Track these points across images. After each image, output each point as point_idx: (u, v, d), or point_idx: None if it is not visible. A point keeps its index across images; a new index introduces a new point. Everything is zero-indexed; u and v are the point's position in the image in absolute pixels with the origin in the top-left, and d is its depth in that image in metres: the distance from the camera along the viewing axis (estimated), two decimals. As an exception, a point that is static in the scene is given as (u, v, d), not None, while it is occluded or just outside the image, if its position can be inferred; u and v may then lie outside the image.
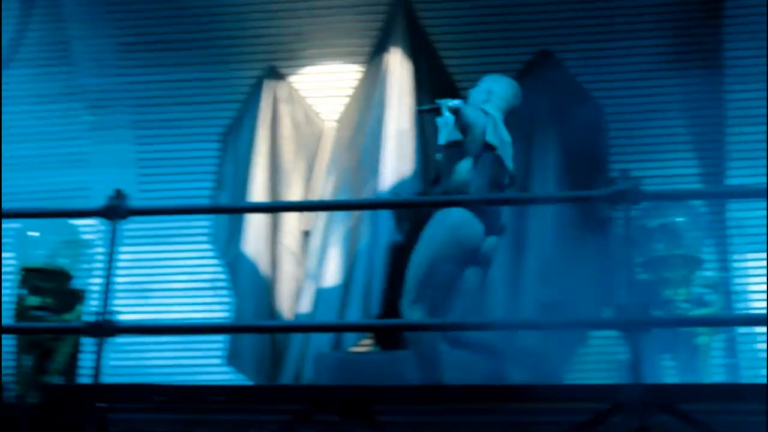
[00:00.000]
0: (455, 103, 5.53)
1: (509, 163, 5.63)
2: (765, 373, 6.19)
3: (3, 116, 7.61)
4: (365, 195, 6.68)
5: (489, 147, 5.52)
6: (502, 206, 5.61)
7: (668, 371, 6.18)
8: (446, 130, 5.61)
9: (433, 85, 7.06)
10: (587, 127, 6.83)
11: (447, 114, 5.59)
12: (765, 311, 4.97)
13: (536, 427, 4.25)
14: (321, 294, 6.59)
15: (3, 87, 7.21)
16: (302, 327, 5.42)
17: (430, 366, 5.10)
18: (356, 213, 6.68)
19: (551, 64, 7.02)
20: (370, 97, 7.03)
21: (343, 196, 6.74)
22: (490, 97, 5.76)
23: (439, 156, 5.72)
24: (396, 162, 6.67)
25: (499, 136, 5.57)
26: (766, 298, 4.47)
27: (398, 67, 6.96)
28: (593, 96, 6.96)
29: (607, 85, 7.00)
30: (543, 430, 4.23)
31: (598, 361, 6.42)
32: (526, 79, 6.96)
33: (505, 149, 5.60)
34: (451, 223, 5.40)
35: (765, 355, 6.09)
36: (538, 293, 6.41)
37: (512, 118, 6.83)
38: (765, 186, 4.86)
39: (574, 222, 6.58)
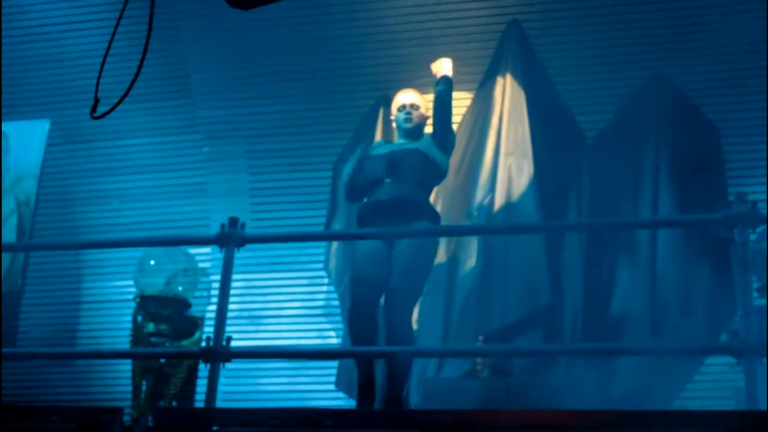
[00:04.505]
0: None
1: None
2: None
3: (125, 149, 7.85)
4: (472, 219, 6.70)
5: None
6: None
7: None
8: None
9: (546, 111, 7.02)
10: (703, 150, 6.72)
11: None
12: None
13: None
14: (426, 319, 6.60)
15: (125, 120, 7.39)
16: (410, 352, 5.42)
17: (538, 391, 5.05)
18: (454, 239, 6.70)
19: (665, 87, 6.90)
20: (481, 123, 7.03)
21: (447, 221, 6.74)
22: None
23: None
24: (507, 187, 6.66)
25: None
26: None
27: (510, 92, 6.94)
28: (709, 118, 6.83)
29: (722, 108, 6.86)
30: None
31: (713, 388, 6.27)
32: (640, 103, 6.92)
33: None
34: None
35: None
36: (652, 315, 6.31)
37: (626, 141, 6.84)
38: None
39: (688, 246, 6.44)
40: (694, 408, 5.91)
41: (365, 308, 5.36)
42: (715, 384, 6.24)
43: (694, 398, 6.27)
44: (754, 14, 6.57)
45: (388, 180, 5.59)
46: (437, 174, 5.73)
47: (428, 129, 5.86)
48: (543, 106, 7.02)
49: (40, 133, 8.01)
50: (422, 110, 5.89)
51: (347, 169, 5.84)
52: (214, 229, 5.31)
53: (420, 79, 7.28)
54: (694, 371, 6.33)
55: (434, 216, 5.66)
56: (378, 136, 7.15)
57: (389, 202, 5.53)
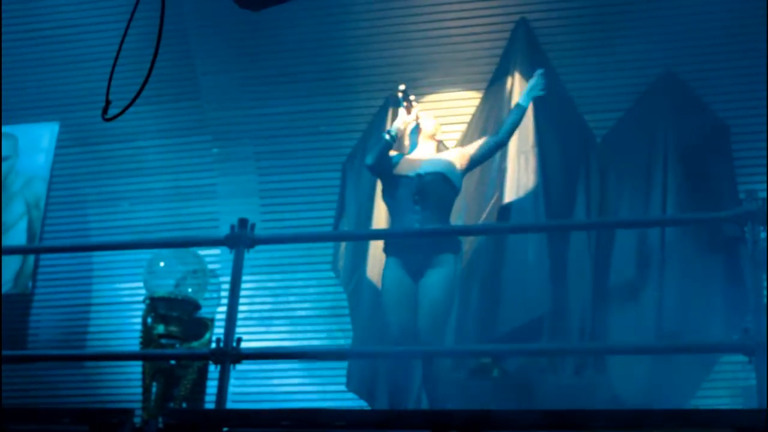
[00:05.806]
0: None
1: None
2: None
3: (134, 151, 7.86)
4: (484, 218, 6.69)
5: None
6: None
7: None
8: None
9: (554, 110, 7.01)
10: (713, 148, 6.70)
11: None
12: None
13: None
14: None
15: (134, 122, 7.39)
16: (422, 352, 5.42)
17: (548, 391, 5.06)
18: (470, 237, 6.70)
19: (675, 85, 6.89)
20: (492, 122, 7.02)
21: (461, 221, 6.73)
22: None
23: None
24: (517, 184, 6.67)
25: None
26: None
27: (519, 91, 6.93)
28: (718, 116, 6.81)
29: (732, 105, 6.84)
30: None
31: (723, 387, 6.26)
32: (650, 101, 6.91)
33: None
34: None
35: None
36: (662, 319, 6.28)
37: (635, 139, 6.83)
38: None
39: (699, 244, 6.43)
40: (704, 407, 5.91)
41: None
42: (726, 383, 6.23)
43: (704, 397, 6.25)
44: (764, 11, 6.55)
45: (417, 207, 5.74)
46: (456, 194, 5.95)
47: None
48: (551, 104, 7.00)
49: (50, 135, 8.03)
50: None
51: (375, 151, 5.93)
52: (223, 231, 5.32)
53: (428, 79, 7.31)
54: (708, 370, 6.31)
55: (457, 246, 5.77)
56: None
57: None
